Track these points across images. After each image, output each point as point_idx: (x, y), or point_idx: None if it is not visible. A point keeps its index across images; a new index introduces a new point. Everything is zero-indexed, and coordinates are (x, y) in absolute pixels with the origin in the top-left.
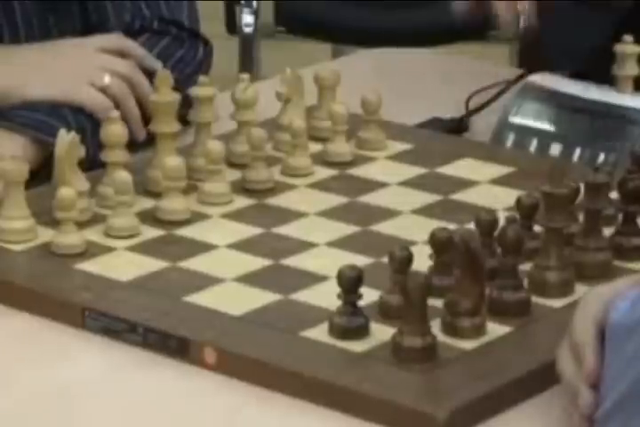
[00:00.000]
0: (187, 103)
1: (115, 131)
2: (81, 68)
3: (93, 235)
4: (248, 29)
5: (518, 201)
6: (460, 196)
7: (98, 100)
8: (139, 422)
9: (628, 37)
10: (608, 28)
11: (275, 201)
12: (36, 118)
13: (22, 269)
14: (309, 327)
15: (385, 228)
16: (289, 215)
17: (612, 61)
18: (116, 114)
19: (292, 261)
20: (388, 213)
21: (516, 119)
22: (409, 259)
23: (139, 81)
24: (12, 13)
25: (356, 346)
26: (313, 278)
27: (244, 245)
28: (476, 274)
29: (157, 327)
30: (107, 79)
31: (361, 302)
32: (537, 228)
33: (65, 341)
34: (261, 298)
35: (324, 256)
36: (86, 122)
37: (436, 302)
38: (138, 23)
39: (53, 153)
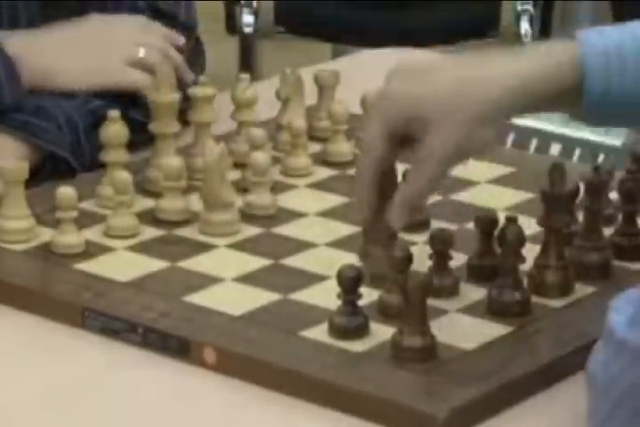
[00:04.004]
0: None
1: (115, 131)
2: (114, 46)
3: (93, 235)
4: (248, 29)
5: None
6: (460, 196)
7: (136, 77)
8: (139, 421)
9: None
10: None
11: None
12: (26, 120)
13: (22, 269)
14: (309, 327)
15: None
16: (289, 215)
17: None
18: (116, 114)
19: (291, 261)
20: None
21: (516, 119)
22: (409, 259)
23: (171, 52)
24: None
25: (356, 346)
26: (313, 278)
27: (243, 245)
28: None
29: (157, 327)
30: (142, 52)
31: (361, 302)
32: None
33: (65, 341)
34: (261, 298)
35: (324, 256)
36: (79, 122)
37: (435, 302)
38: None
39: (52, 154)
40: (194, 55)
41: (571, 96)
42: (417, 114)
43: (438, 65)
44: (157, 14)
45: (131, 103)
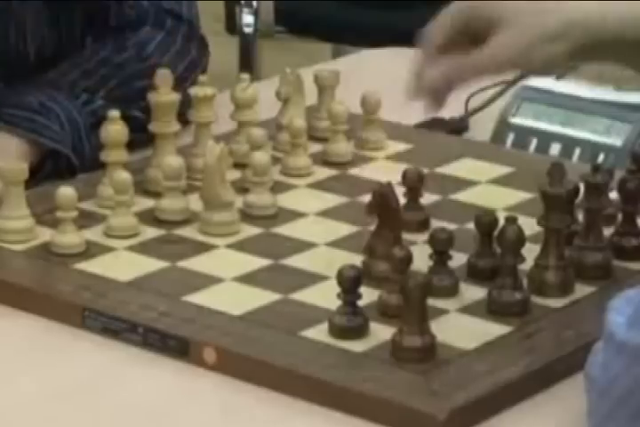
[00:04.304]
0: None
1: (115, 131)
2: None
3: (93, 235)
4: (248, 29)
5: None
6: (460, 196)
7: None
8: (139, 421)
9: None
10: None
11: None
12: (28, 118)
13: (22, 269)
14: (309, 327)
15: None
16: (289, 215)
17: None
18: (116, 114)
19: (291, 261)
20: None
21: (516, 119)
22: (409, 259)
23: None
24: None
25: (356, 346)
26: (313, 278)
27: (243, 245)
28: (392, 221)
29: (157, 327)
30: None
31: (361, 302)
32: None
33: (65, 341)
34: (261, 298)
35: (324, 256)
36: (80, 121)
37: (435, 302)
38: (134, 13)
39: (53, 152)
40: (200, 55)
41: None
42: (493, 13)
43: None
44: (162, 14)
45: (132, 102)
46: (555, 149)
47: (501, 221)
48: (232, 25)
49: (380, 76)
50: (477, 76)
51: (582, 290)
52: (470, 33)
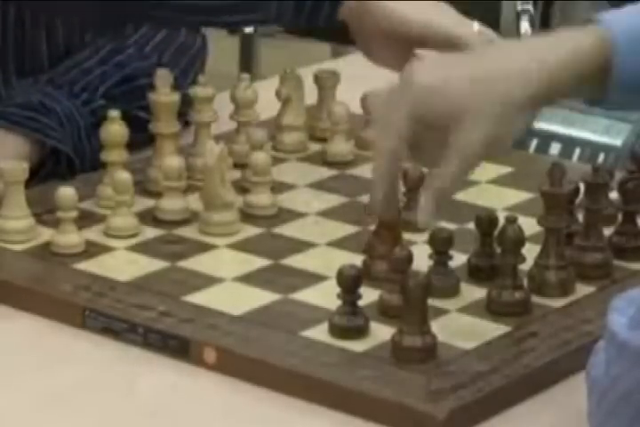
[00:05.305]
0: (185, 101)
1: (115, 131)
2: None
3: (93, 235)
4: (248, 29)
5: None
6: (460, 196)
7: None
8: (139, 421)
9: None
10: None
11: None
12: (29, 116)
13: (22, 269)
14: (309, 327)
15: None
16: (289, 215)
17: None
18: (116, 114)
19: (291, 261)
20: None
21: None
22: (409, 259)
23: None
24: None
25: (356, 346)
26: (313, 278)
27: (243, 245)
28: (392, 221)
29: (157, 327)
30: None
31: (361, 302)
32: None
33: (65, 341)
34: (261, 298)
35: (324, 256)
36: (80, 120)
37: (435, 302)
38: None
39: (54, 151)
40: (200, 53)
41: (594, 79)
42: (446, 111)
43: (458, 61)
44: None
45: (133, 101)
46: (555, 148)
47: (501, 221)
48: None
49: (379, 77)
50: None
51: (582, 290)
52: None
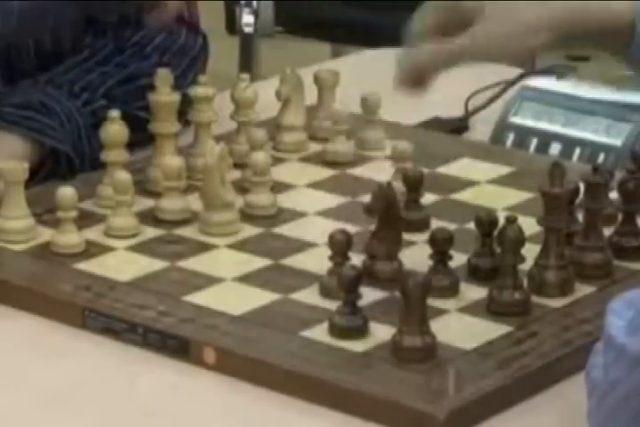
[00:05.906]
0: (184, 101)
1: (115, 131)
2: None
3: (93, 235)
4: (248, 29)
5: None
6: (460, 196)
7: None
8: (139, 421)
9: None
10: None
11: None
12: (29, 117)
13: (22, 269)
14: (309, 327)
15: None
16: (289, 215)
17: None
18: (116, 114)
19: (291, 261)
20: None
21: (516, 119)
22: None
23: None
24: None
25: (356, 346)
26: (313, 278)
27: (243, 245)
28: (393, 221)
29: (157, 327)
30: None
31: (361, 302)
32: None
33: (65, 341)
34: (261, 298)
35: (324, 256)
36: (80, 120)
37: (435, 302)
38: (134, 15)
39: (54, 151)
40: (201, 54)
41: (617, 34)
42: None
43: None
44: None
45: (133, 101)
46: (555, 148)
47: (501, 221)
48: (232, 25)
49: (380, 76)
50: (462, 61)
51: (582, 290)
52: (452, 27)
